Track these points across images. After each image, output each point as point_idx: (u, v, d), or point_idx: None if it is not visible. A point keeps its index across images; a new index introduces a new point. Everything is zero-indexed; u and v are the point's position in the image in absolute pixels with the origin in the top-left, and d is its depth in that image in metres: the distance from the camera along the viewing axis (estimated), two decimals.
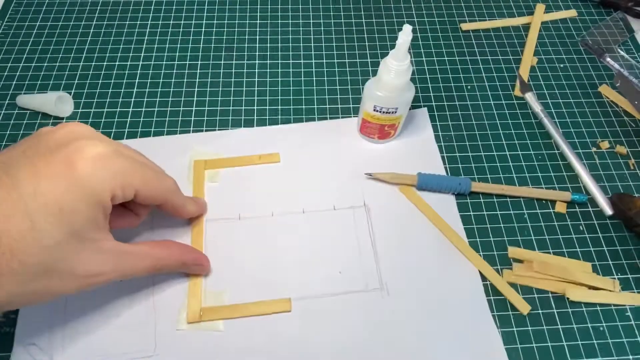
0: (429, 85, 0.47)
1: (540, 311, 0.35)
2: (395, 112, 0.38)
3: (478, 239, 0.38)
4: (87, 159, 0.26)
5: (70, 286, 0.27)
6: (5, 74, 0.46)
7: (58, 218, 0.25)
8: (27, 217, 0.24)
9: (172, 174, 0.39)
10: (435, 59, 0.49)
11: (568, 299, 0.35)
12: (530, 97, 0.45)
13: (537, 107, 0.44)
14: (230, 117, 0.44)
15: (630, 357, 0.33)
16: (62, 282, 0.26)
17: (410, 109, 0.40)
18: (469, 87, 0.47)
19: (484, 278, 0.36)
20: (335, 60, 0.48)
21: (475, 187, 0.39)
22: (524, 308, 0.35)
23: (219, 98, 0.45)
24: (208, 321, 0.33)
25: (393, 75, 0.35)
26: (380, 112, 0.38)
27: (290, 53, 0.49)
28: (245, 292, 0.35)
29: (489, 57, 0.49)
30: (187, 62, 0.47)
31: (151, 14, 0.51)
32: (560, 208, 0.39)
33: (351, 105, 0.45)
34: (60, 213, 0.25)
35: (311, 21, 0.51)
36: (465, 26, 0.51)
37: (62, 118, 0.43)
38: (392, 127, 0.40)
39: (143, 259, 0.30)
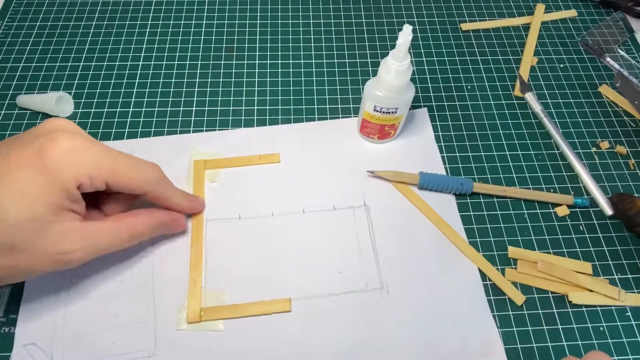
0: (429, 85, 0.47)
1: (540, 311, 0.35)
2: (396, 112, 0.38)
3: (478, 239, 0.38)
4: (57, 148, 0.28)
5: (40, 264, 0.29)
6: (5, 74, 0.46)
7: (20, 201, 0.27)
8: None
9: (172, 173, 0.39)
10: (435, 59, 0.49)
11: (570, 302, 0.35)
12: (530, 97, 0.45)
13: (537, 107, 0.44)
14: (230, 117, 0.44)
15: (630, 357, 0.33)
16: (29, 259, 0.28)
17: (410, 109, 0.40)
18: (469, 87, 0.47)
19: (484, 278, 0.36)
20: (335, 60, 0.48)
21: (477, 187, 0.39)
22: (519, 299, 0.35)
23: (219, 98, 0.45)
24: (208, 321, 0.33)
25: (393, 75, 0.35)
26: (380, 112, 0.38)
27: (290, 53, 0.49)
28: (245, 291, 0.35)
29: (489, 57, 0.49)
30: (187, 62, 0.47)
31: (151, 14, 0.51)
32: (562, 212, 0.39)
33: (351, 105, 0.45)
34: (22, 196, 0.27)
35: (311, 21, 0.51)
36: (465, 26, 0.51)
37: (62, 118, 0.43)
38: (392, 127, 0.40)
39: (116, 232, 0.32)
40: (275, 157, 0.41)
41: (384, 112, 0.38)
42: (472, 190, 0.39)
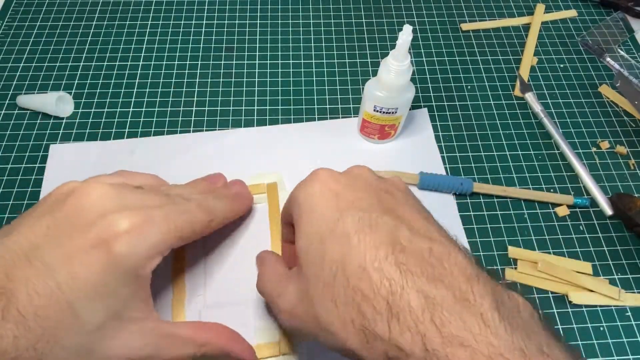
0: (429, 85, 0.47)
1: (540, 311, 0.35)
2: (396, 112, 0.38)
3: (478, 239, 0.38)
4: (119, 235, 0.24)
5: None
6: (5, 74, 0.46)
7: (97, 301, 0.24)
8: (67, 305, 0.23)
9: (172, 174, 0.39)
10: (435, 59, 0.49)
11: (570, 302, 0.35)
12: (530, 97, 0.45)
13: (537, 107, 0.44)
14: (230, 117, 0.44)
15: (631, 357, 0.33)
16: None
17: (410, 109, 0.40)
18: (469, 87, 0.47)
19: None
20: (335, 60, 0.48)
21: (477, 187, 0.39)
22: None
23: (219, 98, 0.45)
24: None
25: (393, 76, 0.35)
26: (380, 112, 0.38)
27: (290, 53, 0.49)
28: (244, 291, 0.34)
29: (489, 57, 0.49)
30: (187, 62, 0.47)
31: (151, 14, 0.51)
32: (562, 211, 0.39)
33: (351, 105, 0.45)
34: (98, 296, 0.24)
35: (311, 21, 0.51)
36: (465, 26, 0.51)
37: (63, 118, 0.43)
38: (392, 128, 0.40)
39: (185, 345, 0.27)
40: (261, 187, 0.38)
41: (384, 112, 0.38)
42: (472, 190, 0.39)
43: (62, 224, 0.25)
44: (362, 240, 0.22)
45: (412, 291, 0.19)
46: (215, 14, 0.52)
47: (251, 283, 0.31)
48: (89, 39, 0.49)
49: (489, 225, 0.39)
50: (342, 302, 0.21)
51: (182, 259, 0.35)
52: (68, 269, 0.23)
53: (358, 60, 0.48)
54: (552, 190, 0.41)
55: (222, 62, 0.48)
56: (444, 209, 0.39)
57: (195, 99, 0.45)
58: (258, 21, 0.51)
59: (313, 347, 0.32)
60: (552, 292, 0.36)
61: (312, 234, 0.24)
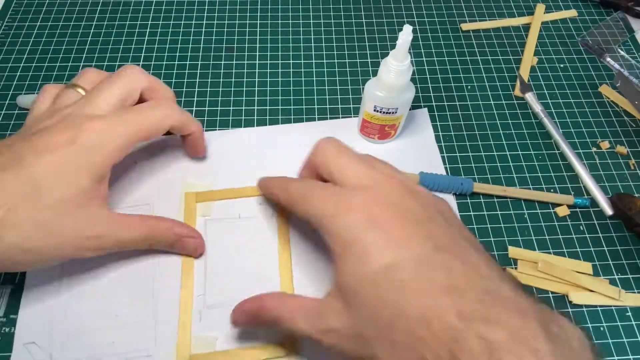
0: (429, 85, 0.47)
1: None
2: (396, 112, 0.38)
3: (478, 239, 0.38)
4: (87, 129, 0.29)
5: (67, 247, 0.29)
6: (6, 74, 0.46)
7: (58, 180, 0.28)
8: (30, 180, 0.27)
9: (173, 174, 0.39)
10: (435, 59, 0.49)
11: (571, 302, 0.35)
12: (530, 97, 0.45)
13: (537, 107, 0.44)
14: (230, 117, 0.44)
15: (631, 357, 0.33)
16: (58, 242, 0.28)
17: (410, 109, 0.40)
18: (469, 87, 0.47)
19: None
20: (335, 60, 0.48)
21: (477, 187, 0.39)
22: None
23: (219, 98, 0.45)
24: None
25: (393, 75, 0.35)
26: (380, 112, 0.38)
27: (290, 53, 0.49)
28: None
29: (489, 57, 0.49)
30: (187, 62, 0.47)
31: (151, 14, 0.51)
32: (562, 211, 0.39)
33: (351, 105, 0.45)
34: (60, 176, 0.28)
35: (311, 21, 0.51)
36: (465, 26, 0.51)
37: None
38: (392, 128, 0.40)
39: (137, 227, 0.32)
40: None
41: (384, 112, 0.38)
42: (472, 190, 0.39)
43: (37, 131, 0.29)
44: (420, 288, 0.22)
45: (473, 337, 0.20)
46: (215, 14, 0.52)
47: (254, 281, 0.32)
48: (89, 39, 0.49)
49: (489, 225, 0.39)
50: (402, 347, 0.22)
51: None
52: (34, 153, 0.28)
53: (358, 60, 0.48)
54: (552, 190, 0.41)
55: (222, 62, 0.48)
56: None
57: (195, 99, 0.45)
58: (258, 21, 0.51)
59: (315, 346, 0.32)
60: (552, 292, 0.36)
61: (362, 276, 0.24)
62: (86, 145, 0.29)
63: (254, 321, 0.30)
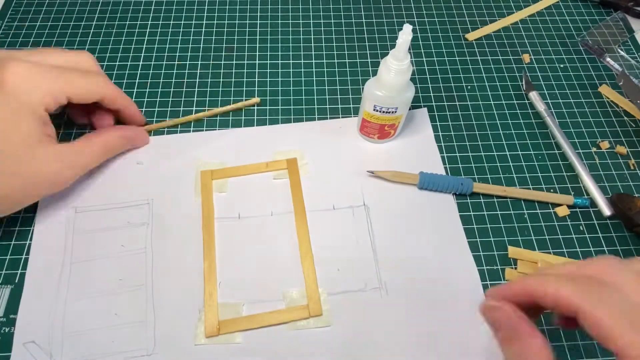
0: (429, 85, 0.47)
1: None
2: (395, 111, 0.38)
3: (478, 239, 0.38)
4: (14, 77, 0.30)
5: (34, 187, 0.32)
6: None
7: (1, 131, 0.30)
8: None
9: (175, 174, 0.39)
10: (435, 59, 0.49)
11: None
12: (534, 95, 0.45)
13: (540, 106, 0.44)
14: (230, 117, 0.44)
15: None
16: (23, 184, 0.31)
17: (410, 109, 0.40)
18: (468, 87, 0.47)
19: (483, 278, 0.36)
20: (335, 60, 0.48)
21: (477, 187, 0.39)
22: None
23: (219, 98, 0.45)
24: (226, 334, 0.33)
25: (393, 75, 0.35)
26: (380, 111, 0.38)
27: (290, 53, 0.49)
28: (242, 292, 0.35)
29: (489, 57, 0.49)
30: (187, 62, 0.47)
31: (151, 14, 0.51)
32: (562, 212, 0.39)
33: (351, 105, 0.45)
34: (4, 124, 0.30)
35: (311, 21, 0.51)
36: (470, 36, 0.51)
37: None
38: (392, 127, 0.40)
39: (90, 149, 0.36)
40: (281, 164, 0.40)
41: (383, 112, 0.38)
42: (472, 190, 0.39)
43: None
44: None
45: None
46: (215, 14, 0.52)
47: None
48: (89, 39, 0.49)
49: (489, 225, 0.38)
50: None
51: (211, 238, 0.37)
52: None
53: (358, 60, 0.48)
54: (552, 190, 0.41)
55: (222, 62, 0.48)
56: (444, 208, 0.39)
57: (195, 99, 0.45)
58: (258, 21, 0.51)
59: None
60: None
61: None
62: (14, 88, 0.30)
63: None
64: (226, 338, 0.33)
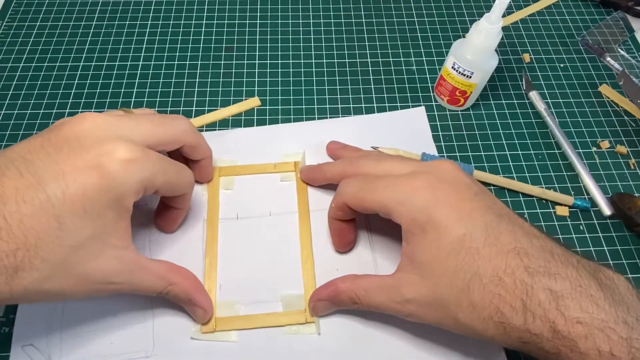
0: (429, 85, 0.47)
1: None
2: (471, 76, 0.38)
3: None
4: (116, 163, 0.25)
5: (82, 290, 0.26)
6: (5, 74, 0.46)
7: (83, 220, 0.25)
8: (53, 217, 0.24)
9: None
10: (435, 58, 0.49)
11: None
12: (534, 95, 0.45)
13: (541, 105, 0.44)
14: (230, 117, 0.44)
15: None
16: (75, 285, 0.26)
17: (409, 108, 0.40)
18: None
19: None
20: (335, 60, 0.48)
21: (477, 176, 0.40)
22: None
23: (219, 98, 0.45)
24: (222, 331, 0.33)
25: (483, 37, 0.36)
26: (457, 71, 0.39)
27: (290, 53, 0.49)
28: (240, 291, 0.34)
29: None
30: (187, 62, 0.47)
31: (151, 14, 0.51)
32: (562, 212, 0.39)
33: (351, 105, 0.45)
34: (85, 215, 0.25)
35: (311, 21, 0.51)
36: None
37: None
38: (462, 94, 0.41)
39: (157, 279, 0.30)
40: (289, 165, 0.40)
41: (460, 73, 0.39)
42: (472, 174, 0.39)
43: (58, 144, 0.25)
44: (492, 252, 0.26)
45: (540, 289, 0.24)
46: (215, 14, 0.52)
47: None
48: (89, 39, 0.49)
49: None
50: (480, 305, 0.25)
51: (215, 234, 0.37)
52: (60, 184, 0.24)
53: (358, 60, 0.48)
54: (552, 189, 0.40)
55: (222, 62, 0.48)
56: None
57: (195, 99, 0.45)
58: (258, 21, 0.51)
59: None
60: None
61: (439, 248, 0.27)
62: (111, 172, 0.25)
63: (332, 305, 0.32)
64: (222, 335, 0.33)
